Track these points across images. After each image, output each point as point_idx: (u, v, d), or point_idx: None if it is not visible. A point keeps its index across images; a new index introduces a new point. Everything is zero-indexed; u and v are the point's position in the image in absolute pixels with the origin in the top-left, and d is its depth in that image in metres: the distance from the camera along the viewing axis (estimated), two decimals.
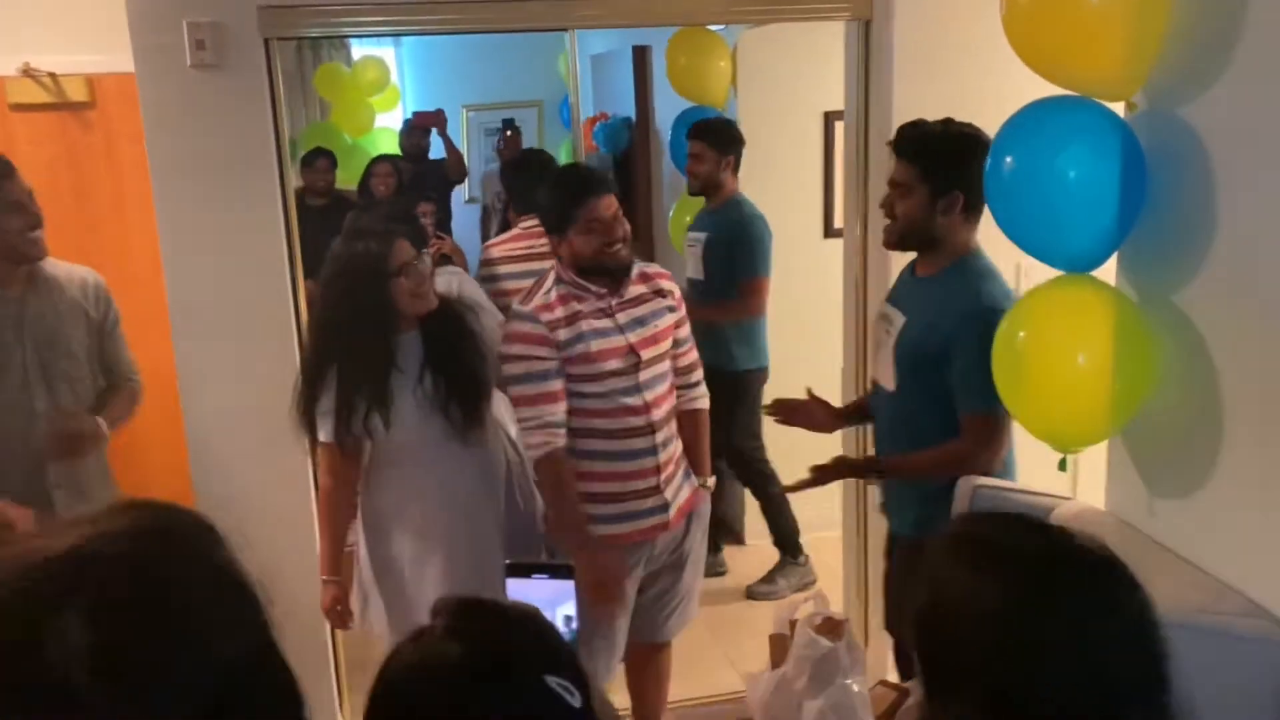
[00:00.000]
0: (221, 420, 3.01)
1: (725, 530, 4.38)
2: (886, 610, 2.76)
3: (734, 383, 3.94)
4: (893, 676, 2.68)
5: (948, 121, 2.43)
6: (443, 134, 6.37)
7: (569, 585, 1.60)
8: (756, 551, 4.46)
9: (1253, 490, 1.85)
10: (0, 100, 3.31)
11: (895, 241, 2.44)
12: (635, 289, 2.62)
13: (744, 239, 3.90)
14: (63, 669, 0.77)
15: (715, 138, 3.95)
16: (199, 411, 3.00)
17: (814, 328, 3.90)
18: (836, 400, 2.90)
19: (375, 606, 2.66)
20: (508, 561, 1.71)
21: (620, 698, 3.06)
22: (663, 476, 2.63)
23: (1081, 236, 2.00)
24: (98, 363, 2.90)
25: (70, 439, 2.71)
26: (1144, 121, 2.02)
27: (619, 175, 6.52)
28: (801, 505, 4.16)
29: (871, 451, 2.70)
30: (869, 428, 2.76)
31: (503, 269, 3.34)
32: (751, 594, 4.18)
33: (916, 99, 3.01)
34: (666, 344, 2.65)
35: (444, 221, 5.01)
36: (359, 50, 6.80)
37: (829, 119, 4.30)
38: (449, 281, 2.82)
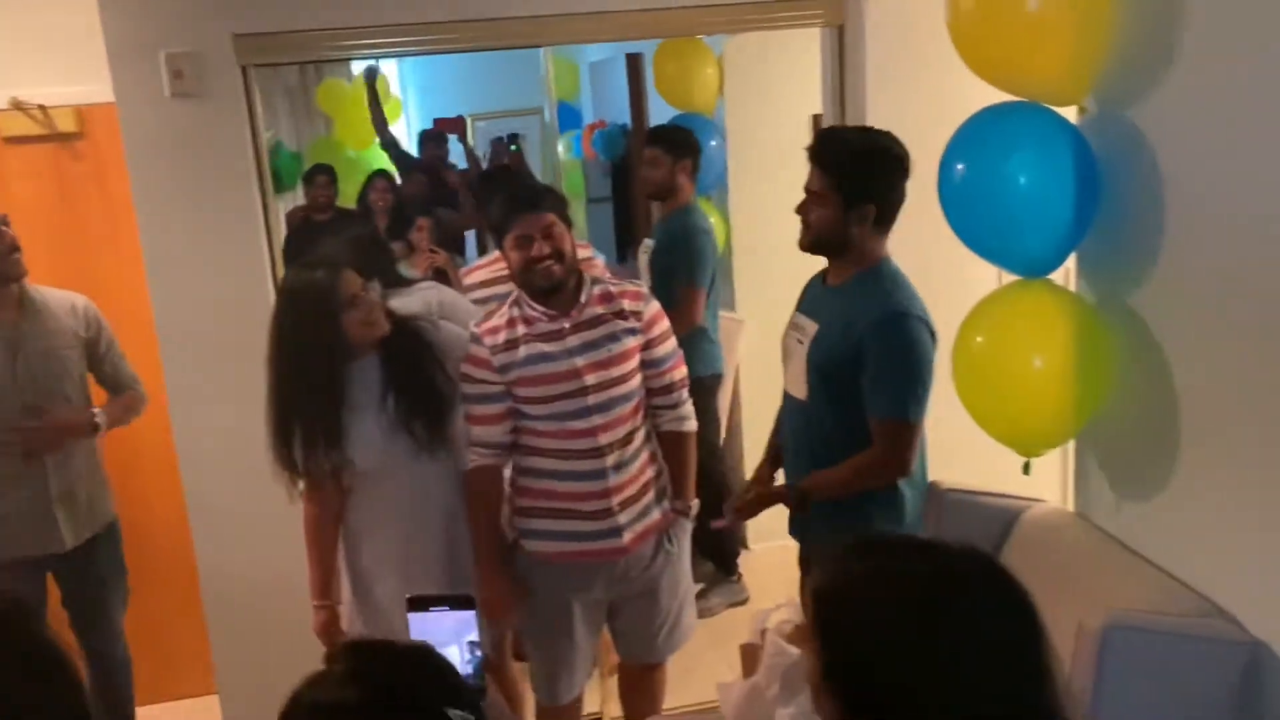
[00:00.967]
0: (212, 441, 3.06)
1: (730, 553, 4.28)
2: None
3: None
4: None
5: (865, 131, 2.43)
6: (464, 141, 6.42)
7: (470, 615, 1.62)
8: (764, 555, 4.43)
9: (1210, 490, 1.85)
10: None
11: (809, 245, 2.44)
12: (593, 310, 2.55)
13: (683, 249, 3.85)
14: None
15: (670, 143, 3.92)
16: (189, 432, 3.05)
17: None
18: None
19: (358, 629, 2.70)
20: (407, 596, 1.73)
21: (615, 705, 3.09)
22: (616, 500, 2.56)
23: (1035, 241, 2.01)
24: (104, 381, 3.00)
25: (57, 431, 2.82)
26: (1094, 125, 2.03)
27: (615, 181, 6.57)
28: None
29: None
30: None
31: (478, 294, 3.33)
32: None
33: (890, 102, 3.02)
34: (626, 366, 2.55)
35: (453, 234, 5.02)
36: (360, 65, 6.87)
37: (817, 122, 4.31)
38: (426, 297, 2.83)
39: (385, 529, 2.62)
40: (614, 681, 3.10)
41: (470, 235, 5.86)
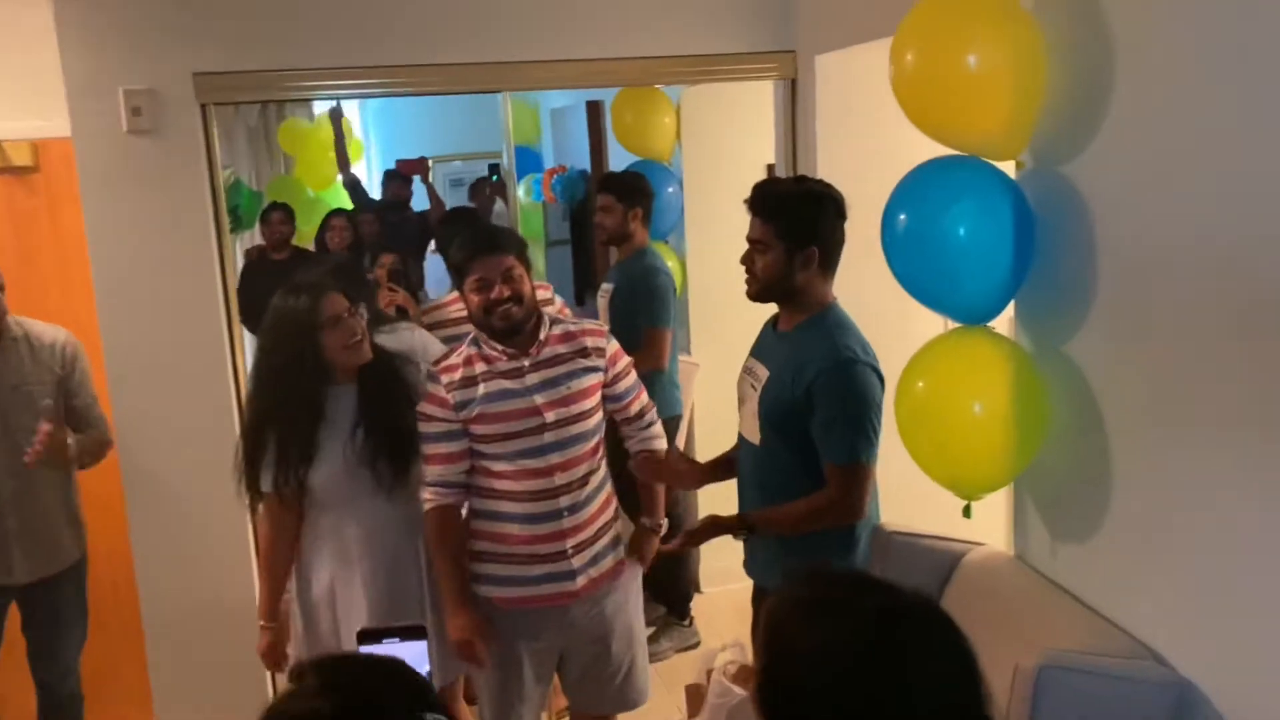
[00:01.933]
0: (158, 475, 3.04)
1: (683, 597, 4.28)
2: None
3: None
4: None
5: (801, 179, 2.52)
6: (426, 181, 6.44)
7: (422, 646, 1.62)
8: (716, 598, 4.43)
9: (1142, 533, 1.91)
10: None
11: (756, 294, 2.49)
12: (553, 349, 2.56)
13: (644, 290, 3.89)
14: None
15: (621, 190, 3.98)
16: (136, 466, 3.04)
17: None
18: None
19: (301, 653, 2.69)
20: (359, 629, 1.74)
21: None
22: (570, 542, 2.55)
23: (974, 289, 2.07)
24: (70, 418, 2.96)
25: (56, 444, 2.79)
26: (1031, 179, 2.10)
27: (574, 225, 6.63)
28: (710, 556, 4.20)
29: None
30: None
31: (441, 332, 3.36)
32: None
33: (839, 152, 3.11)
34: (585, 404, 2.57)
35: (414, 272, 5.04)
36: (322, 106, 6.90)
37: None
38: (410, 339, 2.86)
39: (331, 562, 2.62)
40: None
41: (429, 274, 5.88)
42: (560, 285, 6.25)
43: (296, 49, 2.97)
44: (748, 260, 2.47)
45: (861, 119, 3.13)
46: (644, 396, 2.74)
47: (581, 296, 6.46)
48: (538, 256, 6.80)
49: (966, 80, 1.97)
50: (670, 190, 4.46)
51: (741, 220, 4.10)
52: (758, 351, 2.58)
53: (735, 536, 2.51)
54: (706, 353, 4.49)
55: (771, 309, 2.67)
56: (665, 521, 2.79)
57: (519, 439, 2.51)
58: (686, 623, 4.20)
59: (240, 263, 6.09)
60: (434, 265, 6.41)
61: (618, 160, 5.13)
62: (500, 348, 2.52)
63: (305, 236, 6.03)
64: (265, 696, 3.23)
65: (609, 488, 2.69)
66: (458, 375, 2.53)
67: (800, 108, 3.23)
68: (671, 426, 4.11)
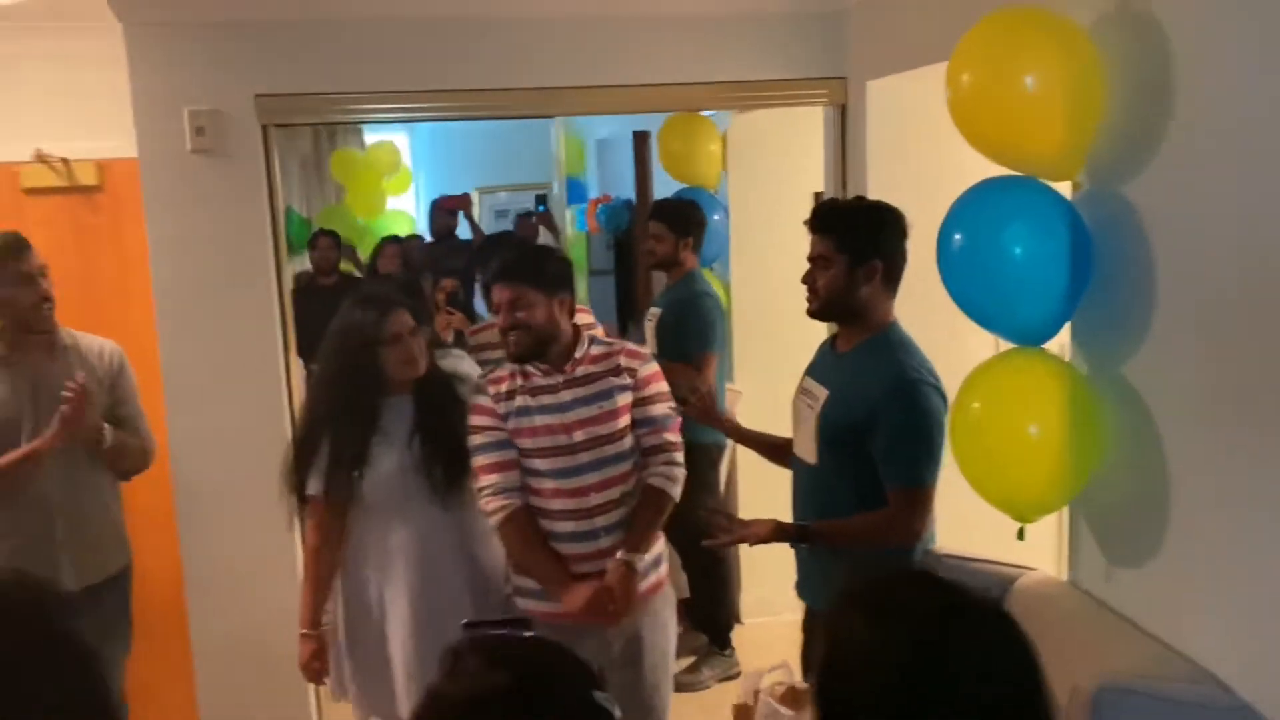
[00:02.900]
0: (211, 490, 3.08)
1: (723, 626, 4.24)
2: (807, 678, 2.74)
3: (688, 454, 3.95)
4: None
5: (861, 199, 2.52)
6: (469, 216, 6.58)
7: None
8: (758, 629, 4.38)
9: (1201, 557, 1.87)
10: (14, 184, 3.45)
11: (818, 311, 2.49)
12: (587, 368, 2.58)
13: (690, 315, 3.93)
14: None
15: (675, 219, 4.03)
16: (189, 483, 3.08)
17: None
18: None
19: (348, 669, 2.70)
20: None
21: None
22: (607, 563, 2.54)
23: (1030, 310, 2.06)
24: (114, 425, 2.97)
25: (77, 413, 2.78)
26: (1088, 200, 2.10)
27: (618, 255, 6.68)
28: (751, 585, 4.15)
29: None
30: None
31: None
32: (676, 685, 3.97)
33: (889, 178, 3.11)
34: (617, 424, 2.57)
35: (465, 299, 5.16)
36: (372, 135, 7.04)
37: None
38: (468, 367, 2.91)
39: (377, 572, 2.64)
40: None
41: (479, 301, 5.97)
42: (603, 314, 6.31)
43: (354, 73, 3.03)
44: (809, 279, 2.46)
45: (913, 145, 3.13)
46: (676, 435, 2.68)
47: (625, 325, 6.50)
48: (580, 285, 6.86)
49: (1023, 101, 1.98)
50: (716, 218, 4.49)
51: (787, 247, 4.15)
52: (815, 372, 2.58)
53: (791, 544, 2.51)
54: (750, 380, 4.48)
55: (818, 335, 2.67)
56: (639, 557, 2.61)
57: (554, 457, 2.54)
58: (727, 652, 4.17)
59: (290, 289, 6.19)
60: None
61: (662, 189, 5.18)
62: (533, 366, 2.56)
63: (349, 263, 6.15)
64: (309, 714, 3.25)
65: None
66: (503, 388, 2.58)
67: (850, 134, 3.25)
68: (715, 453, 4.11)
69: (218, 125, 2.95)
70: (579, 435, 2.53)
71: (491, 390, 2.58)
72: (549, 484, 2.55)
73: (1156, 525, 1.96)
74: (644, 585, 2.63)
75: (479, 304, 5.65)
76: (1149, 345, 1.98)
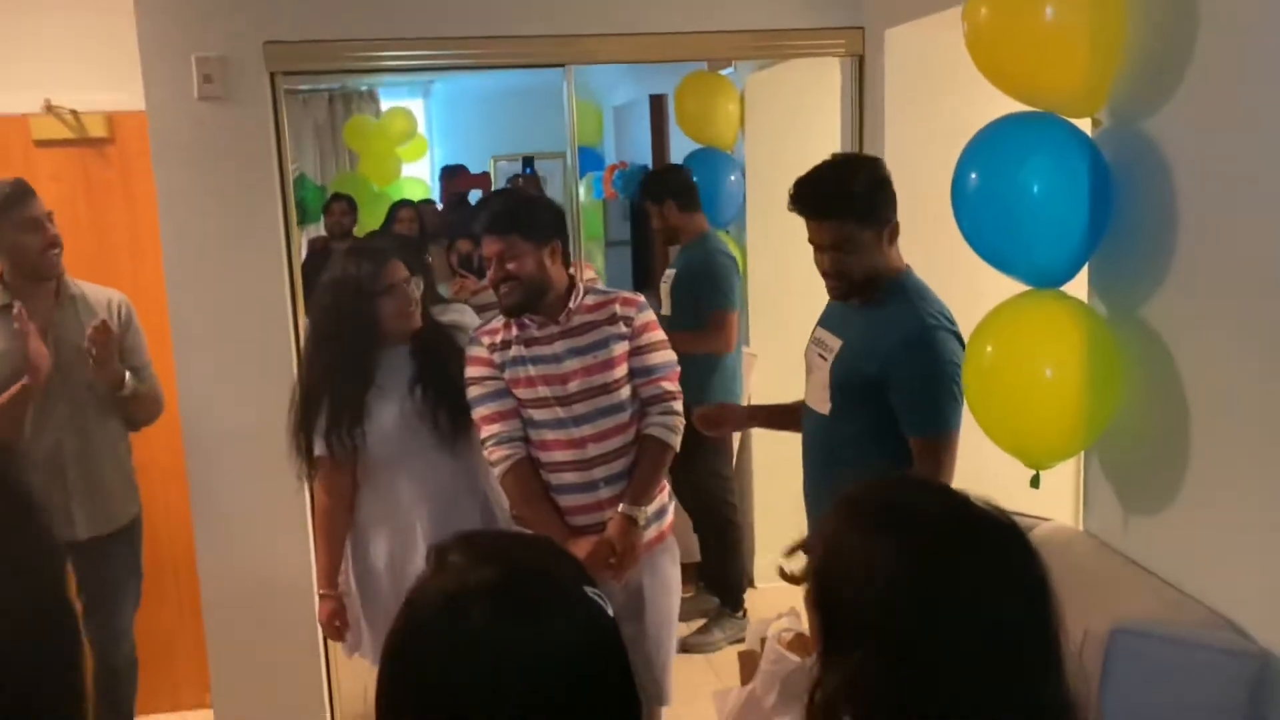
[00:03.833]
0: (220, 443, 3.07)
1: (735, 588, 4.22)
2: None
3: None
4: None
5: (836, 165, 2.39)
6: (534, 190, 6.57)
7: None
8: (771, 594, 4.34)
9: (1221, 503, 1.82)
10: (25, 136, 3.44)
11: (848, 293, 2.38)
12: (583, 317, 2.55)
13: (705, 274, 3.90)
14: None
15: (657, 190, 4.02)
16: (198, 434, 3.07)
17: None
18: None
19: (359, 626, 2.69)
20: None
21: None
22: (608, 515, 2.53)
23: (1047, 251, 2.01)
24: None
25: (106, 352, 2.80)
26: (1109, 137, 2.03)
27: (634, 222, 6.63)
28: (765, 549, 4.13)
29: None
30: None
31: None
32: (686, 646, 3.88)
33: (906, 130, 3.05)
34: (613, 374, 2.54)
35: (479, 262, 5.16)
36: (387, 102, 7.00)
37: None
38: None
39: (389, 526, 2.62)
40: None
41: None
42: (620, 285, 6.26)
43: (365, 21, 2.99)
44: (833, 264, 2.34)
45: (931, 95, 3.07)
46: (671, 384, 2.62)
47: (641, 293, 6.46)
48: (596, 256, 6.82)
49: (1043, 34, 1.92)
50: (732, 178, 4.43)
51: None
52: (828, 322, 2.52)
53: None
54: (765, 343, 4.44)
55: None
56: (643, 510, 2.56)
57: (550, 408, 2.51)
58: (740, 614, 4.14)
59: (304, 253, 6.20)
60: None
61: (679, 154, 5.12)
62: (528, 317, 2.52)
63: (364, 228, 6.13)
64: (320, 670, 3.24)
65: None
66: (498, 338, 2.56)
67: (868, 85, 3.18)
68: None
69: (226, 73, 2.92)
70: (574, 386, 2.50)
71: (486, 341, 2.56)
72: (548, 435, 2.53)
73: (1175, 472, 1.91)
74: (647, 537, 2.60)
75: None
76: (1171, 287, 1.92)
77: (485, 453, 2.54)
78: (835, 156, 2.49)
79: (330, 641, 3.21)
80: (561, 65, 3.16)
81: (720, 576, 4.17)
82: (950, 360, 2.24)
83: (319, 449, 2.62)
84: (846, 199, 2.31)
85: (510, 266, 2.47)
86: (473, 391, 2.56)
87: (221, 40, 2.91)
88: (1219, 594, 1.81)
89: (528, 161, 6.21)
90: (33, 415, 2.84)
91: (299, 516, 3.15)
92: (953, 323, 2.28)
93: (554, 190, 6.96)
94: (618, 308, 2.57)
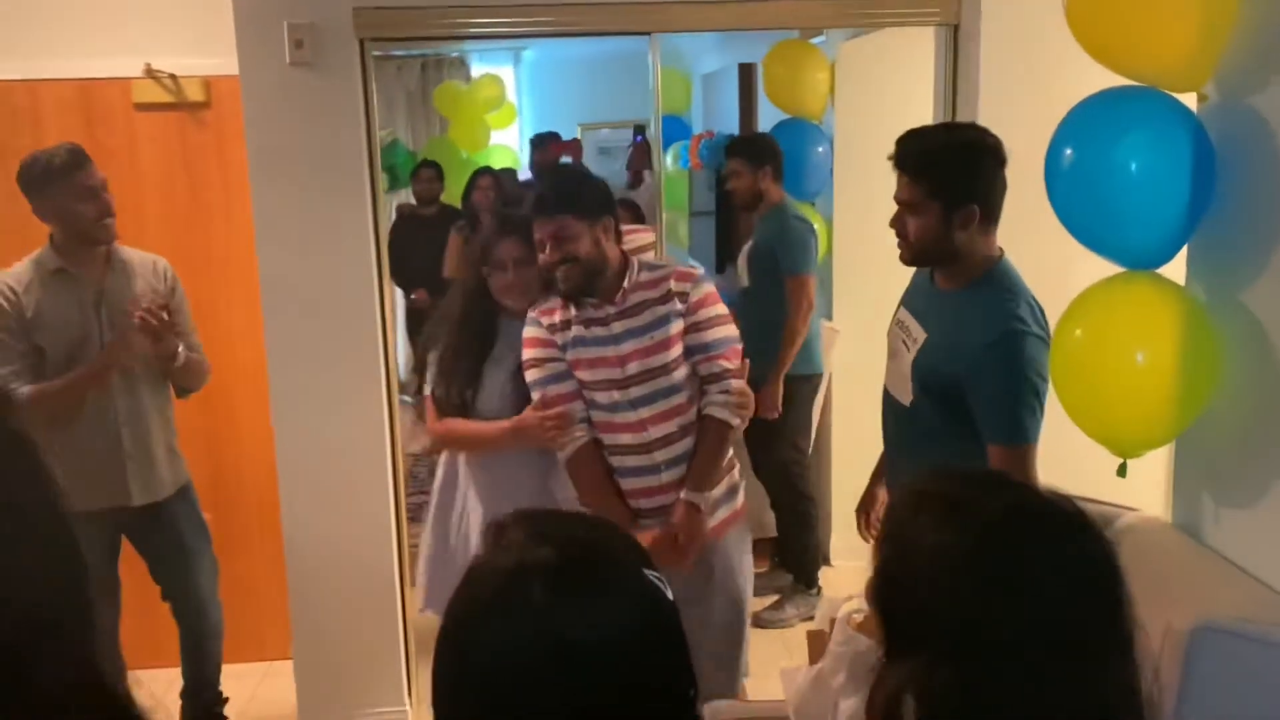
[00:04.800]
0: (309, 409, 3.13)
1: (811, 565, 4.19)
2: None
3: (785, 388, 3.89)
4: None
5: (951, 126, 2.30)
6: (577, 161, 6.59)
7: None
8: (847, 573, 4.28)
9: None
10: (127, 100, 3.54)
11: (912, 260, 2.31)
12: (638, 295, 2.49)
13: (783, 240, 3.87)
14: None
15: (748, 151, 3.99)
16: (287, 400, 3.14)
17: None
18: None
19: (435, 583, 2.74)
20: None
21: None
22: (670, 499, 2.48)
23: (1144, 232, 1.92)
24: None
25: (164, 327, 2.88)
26: (1214, 113, 1.94)
27: (719, 193, 6.58)
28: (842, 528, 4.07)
29: None
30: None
31: None
32: (759, 621, 3.86)
33: (1003, 102, 2.95)
34: (671, 354, 2.47)
35: None
36: (478, 69, 7.04)
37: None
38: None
39: (469, 492, 2.66)
40: None
41: None
42: (703, 256, 6.22)
43: None
44: (898, 223, 2.27)
45: (1029, 66, 2.96)
46: (729, 360, 2.53)
47: (722, 265, 6.41)
48: (680, 227, 6.78)
49: (1147, 2, 1.83)
50: (820, 150, 4.35)
51: (892, 182, 3.99)
52: (913, 306, 2.42)
53: None
54: (849, 319, 4.37)
55: (922, 274, 2.51)
56: (704, 496, 2.51)
57: (609, 390, 2.47)
58: (814, 591, 4.12)
59: (392, 219, 6.30)
60: None
61: (766, 124, 5.05)
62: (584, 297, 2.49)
63: (454, 196, 6.20)
64: (397, 624, 3.31)
65: None
66: (556, 318, 2.51)
67: (962, 55, 3.09)
68: (812, 385, 4.03)
69: (316, 39, 2.95)
70: (632, 368, 2.46)
71: (545, 322, 2.51)
72: (609, 417, 2.49)
73: (1270, 464, 1.83)
74: (716, 519, 2.56)
75: None
76: (1275, 271, 1.83)
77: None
78: (956, 124, 2.37)
79: (405, 597, 3.28)
80: (646, 34, 3.12)
81: (795, 553, 4.15)
82: (1034, 369, 2.11)
83: (429, 389, 2.69)
84: (927, 160, 2.22)
85: (568, 248, 2.42)
86: (533, 374, 2.52)
87: (312, 7, 2.95)
88: None
89: (639, 129, 6.22)
90: None
91: (381, 477, 3.21)
92: (1042, 322, 2.16)
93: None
94: (673, 284, 2.50)
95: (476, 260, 2.65)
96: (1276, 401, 1.81)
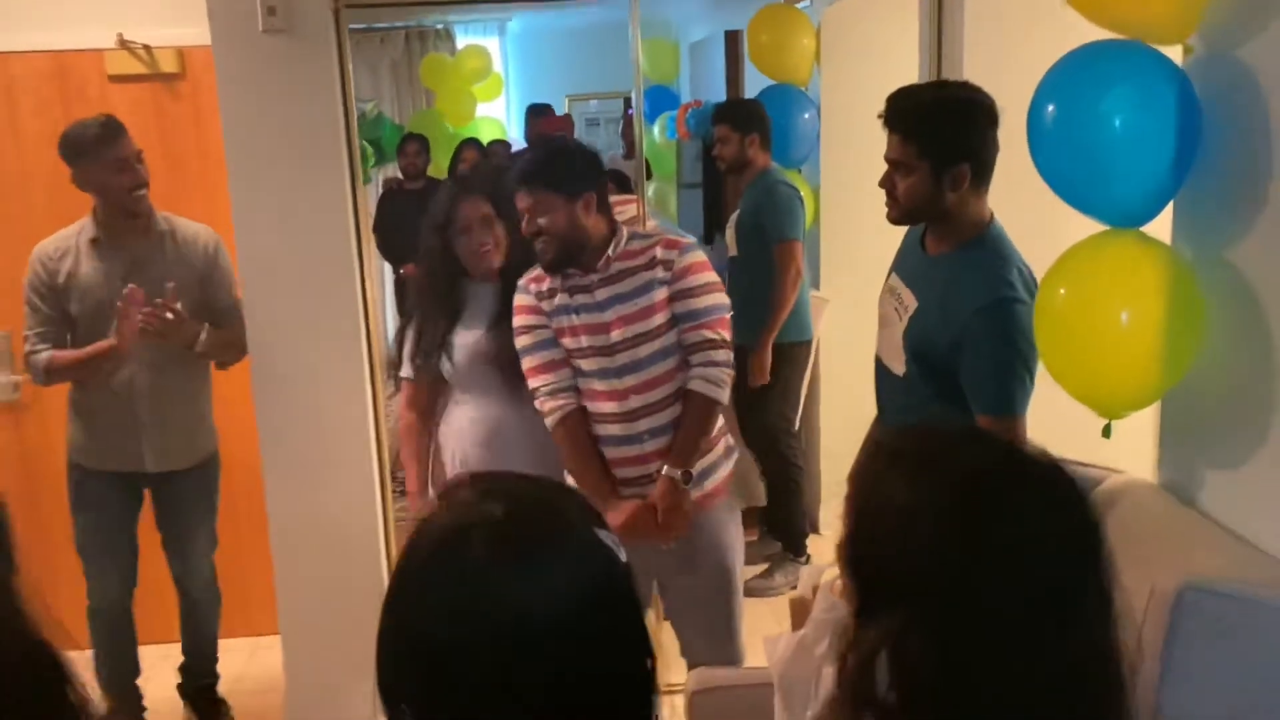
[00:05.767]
0: (289, 382, 3.10)
1: (799, 533, 4.20)
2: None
3: (774, 355, 3.87)
4: None
5: (941, 85, 2.29)
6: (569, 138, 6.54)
7: None
8: (833, 541, 4.29)
9: None
10: (100, 71, 3.48)
11: (899, 219, 2.28)
12: (622, 264, 2.47)
13: (770, 206, 3.86)
14: None
15: (735, 118, 3.98)
16: (267, 373, 3.10)
17: None
18: None
19: None
20: None
21: None
22: (654, 468, 2.47)
23: (1128, 189, 1.89)
24: (210, 315, 3.07)
25: (172, 325, 2.89)
26: (1200, 66, 1.90)
27: (707, 164, 6.53)
28: (833, 497, 4.05)
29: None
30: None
31: None
32: (747, 590, 3.85)
33: (989, 63, 2.90)
34: (655, 320, 2.45)
35: None
36: (463, 40, 6.97)
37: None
38: None
39: (459, 457, 2.70)
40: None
41: None
42: (691, 226, 6.18)
43: None
44: (887, 182, 2.24)
45: (1014, 24, 2.92)
46: (714, 330, 2.48)
47: (710, 236, 6.38)
48: (669, 198, 6.73)
49: None
50: (806, 116, 4.31)
51: (879, 148, 3.95)
52: (904, 272, 2.38)
53: None
54: (837, 288, 4.34)
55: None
56: (682, 473, 2.47)
57: (594, 358, 2.46)
58: (802, 560, 4.11)
59: (379, 193, 6.24)
60: None
61: (753, 92, 5.00)
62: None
63: (441, 169, 6.14)
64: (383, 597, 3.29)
65: None
66: (544, 286, 2.51)
67: (946, 16, 3.04)
68: (802, 352, 4.02)
69: (289, 5, 2.90)
70: (616, 335, 2.44)
71: (533, 289, 2.51)
72: (594, 385, 2.48)
73: (1256, 424, 1.80)
74: (699, 493, 2.54)
75: None
76: (1262, 228, 1.79)
77: (536, 403, 2.51)
78: (947, 82, 2.35)
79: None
80: None
81: (783, 521, 4.14)
82: (1024, 338, 2.09)
83: (404, 370, 2.77)
84: (917, 119, 2.19)
85: (541, 222, 2.41)
86: (521, 341, 2.52)
87: None
88: None
89: (630, 101, 6.19)
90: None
91: (364, 451, 3.19)
92: (1033, 289, 2.13)
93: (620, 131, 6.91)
94: (659, 251, 2.47)
95: (440, 226, 2.67)
96: (1262, 360, 1.78)
